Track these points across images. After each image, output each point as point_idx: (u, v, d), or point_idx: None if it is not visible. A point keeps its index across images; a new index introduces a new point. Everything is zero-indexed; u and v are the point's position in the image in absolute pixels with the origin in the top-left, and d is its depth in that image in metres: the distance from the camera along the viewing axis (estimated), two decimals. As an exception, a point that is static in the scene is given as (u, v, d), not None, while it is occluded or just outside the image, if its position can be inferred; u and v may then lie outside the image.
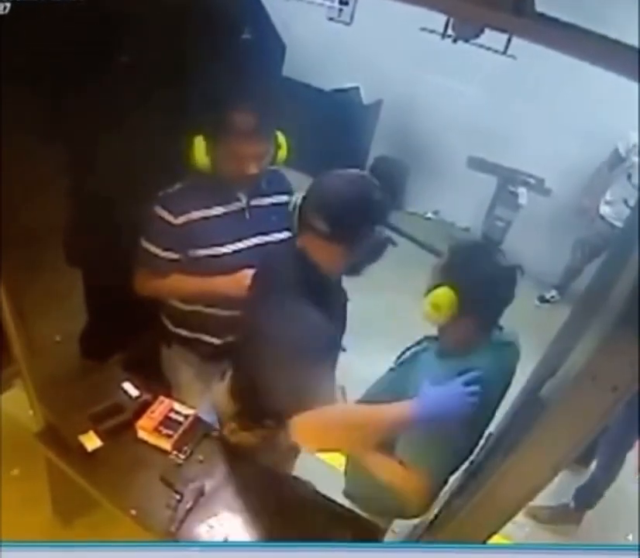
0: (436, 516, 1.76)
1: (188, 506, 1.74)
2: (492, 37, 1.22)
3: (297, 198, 1.58)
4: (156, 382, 2.14)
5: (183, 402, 1.98)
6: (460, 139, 4.51)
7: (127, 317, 2.04)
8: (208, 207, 1.89)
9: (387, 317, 3.59)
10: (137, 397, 1.98)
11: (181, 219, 1.86)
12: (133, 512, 1.75)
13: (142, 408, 1.94)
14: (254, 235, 1.95)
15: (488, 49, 2.87)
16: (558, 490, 2.88)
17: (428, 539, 1.66)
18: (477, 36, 1.30)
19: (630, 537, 2.77)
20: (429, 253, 4.18)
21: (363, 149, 4.92)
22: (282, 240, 1.92)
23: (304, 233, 1.58)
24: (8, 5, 1.27)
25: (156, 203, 1.87)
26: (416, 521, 1.91)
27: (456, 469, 1.70)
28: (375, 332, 3.18)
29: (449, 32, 1.40)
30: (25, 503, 2.31)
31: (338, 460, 2.64)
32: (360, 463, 1.67)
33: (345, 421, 1.48)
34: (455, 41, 1.43)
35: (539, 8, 0.98)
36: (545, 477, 1.10)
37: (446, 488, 1.89)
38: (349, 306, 1.80)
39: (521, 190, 4.37)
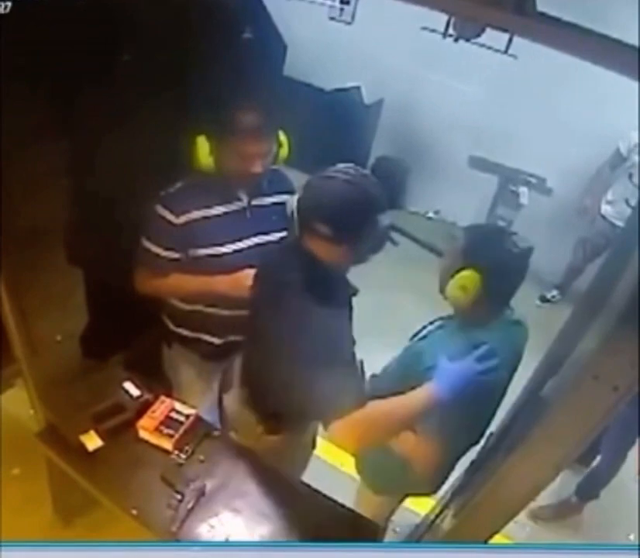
0: (437, 516, 1.76)
1: (189, 506, 1.74)
2: (493, 36, 1.22)
3: (292, 201, 1.58)
4: (157, 382, 2.14)
5: (184, 402, 1.98)
6: (461, 138, 4.51)
7: (128, 317, 2.05)
8: (209, 206, 1.89)
9: (388, 315, 3.58)
10: (138, 397, 1.98)
11: (182, 219, 1.86)
12: (134, 512, 1.74)
13: (143, 407, 1.94)
14: (255, 235, 1.95)
15: (489, 48, 2.88)
16: (558, 489, 2.88)
17: (429, 539, 1.67)
18: (478, 35, 1.30)
19: (631, 537, 2.76)
20: (430, 252, 4.18)
21: (364, 148, 4.91)
22: (283, 239, 1.92)
23: (306, 235, 1.58)
24: (9, 4, 1.27)
25: (157, 202, 1.87)
26: (417, 520, 1.92)
27: (466, 450, 1.76)
28: (375, 330, 3.18)
29: (451, 31, 1.40)
30: (26, 503, 2.31)
31: (338, 460, 2.64)
32: None
33: (385, 420, 1.54)
34: (456, 40, 1.43)
35: (540, 7, 0.98)
36: (546, 477, 1.10)
37: (447, 488, 1.89)
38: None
39: (523, 189, 4.37)
